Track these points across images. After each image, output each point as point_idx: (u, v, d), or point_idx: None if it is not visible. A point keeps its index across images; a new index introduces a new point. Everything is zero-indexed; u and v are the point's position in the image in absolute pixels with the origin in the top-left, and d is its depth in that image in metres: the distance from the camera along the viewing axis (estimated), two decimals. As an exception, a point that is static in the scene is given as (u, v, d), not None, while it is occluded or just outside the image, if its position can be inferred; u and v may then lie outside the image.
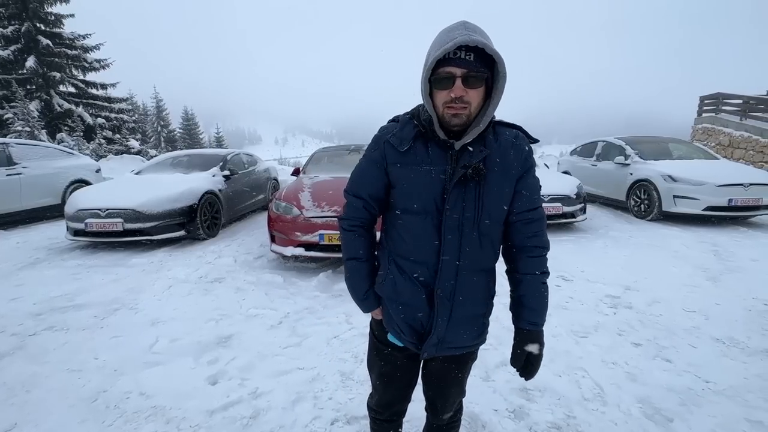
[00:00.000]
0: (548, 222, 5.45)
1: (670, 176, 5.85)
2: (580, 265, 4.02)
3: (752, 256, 4.23)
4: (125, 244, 5.00)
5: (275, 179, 8.36)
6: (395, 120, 1.11)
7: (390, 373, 1.21)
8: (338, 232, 4.05)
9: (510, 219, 1.06)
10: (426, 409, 1.33)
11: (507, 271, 1.14)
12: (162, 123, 33.37)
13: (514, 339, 1.11)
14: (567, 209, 5.41)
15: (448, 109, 0.94)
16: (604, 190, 7.21)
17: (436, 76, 0.93)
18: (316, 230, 3.83)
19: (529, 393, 2.02)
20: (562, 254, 4.40)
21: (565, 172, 8.32)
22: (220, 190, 5.76)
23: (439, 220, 1.00)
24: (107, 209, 4.70)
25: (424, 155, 1.01)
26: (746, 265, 3.96)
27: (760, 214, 5.65)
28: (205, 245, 5.07)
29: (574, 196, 5.48)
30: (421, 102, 1.02)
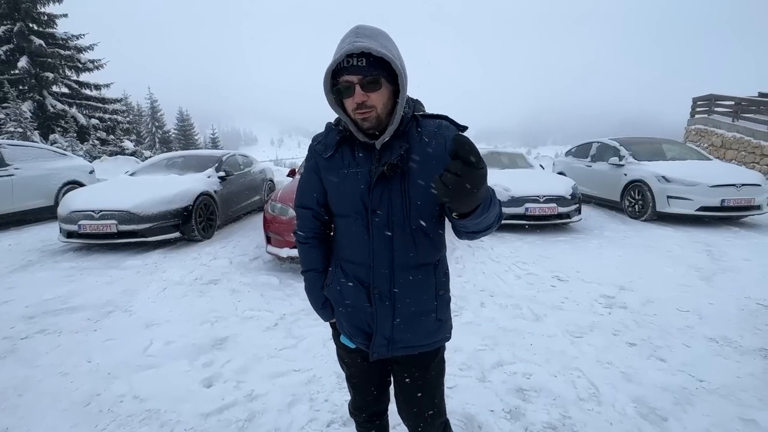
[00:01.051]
0: (544, 222, 5.44)
1: (663, 177, 5.90)
2: (575, 266, 4.04)
3: (745, 255, 4.28)
4: (119, 246, 4.96)
5: (271, 180, 8.34)
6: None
7: (355, 375, 1.24)
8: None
9: (447, 209, 0.97)
10: None
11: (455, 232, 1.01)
12: (157, 124, 33.19)
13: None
14: (562, 210, 5.44)
15: (357, 114, 0.97)
16: (599, 191, 7.26)
17: (339, 86, 0.96)
18: (312, 231, 3.82)
19: (525, 393, 2.02)
20: (558, 254, 4.42)
21: (560, 173, 8.37)
22: (215, 192, 5.73)
23: (368, 220, 1.02)
24: (101, 211, 4.66)
25: (351, 159, 1.04)
26: (739, 264, 4.00)
27: (753, 214, 5.71)
28: (201, 247, 5.04)
29: (569, 197, 5.51)
30: None
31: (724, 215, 5.68)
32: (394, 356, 1.10)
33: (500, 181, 5.62)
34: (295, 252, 3.87)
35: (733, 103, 12.15)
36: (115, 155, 14.57)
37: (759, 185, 5.60)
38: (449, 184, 0.73)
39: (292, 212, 3.97)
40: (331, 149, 1.06)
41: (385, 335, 1.06)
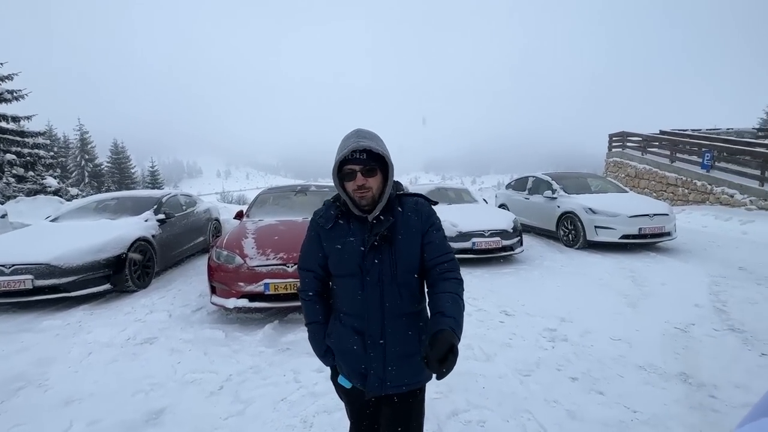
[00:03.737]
0: (489, 255, 5.70)
1: (590, 209, 6.54)
2: (520, 299, 4.25)
3: (661, 280, 4.79)
4: (35, 304, 4.38)
5: (217, 220, 7.96)
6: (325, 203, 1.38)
7: (353, 412, 1.40)
8: (284, 280, 3.88)
9: (426, 266, 1.28)
10: None
11: (428, 295, 1.29)
12: (87, 157, 30.57)
13: (431, 339, 1.04)
14: (505, 243, 5.77)
15: (356, 194, 1.22)
16: (537, 222, 7.83)
17: (343, 173, 1.23)
18: (261, 279, 3.67)
19: (479, 443, 2.04)
20: (504, 287, 4.64)
21: (502, 205, 8.94)
22: (153, 236, 5.35)
23: (363, 279, 1.23)
24: (13, 265, 4.12)
25: (347, 229, 1.27)
26: (657, 289, 4.47)
27: (665, 240, 6.47)
28: (135, 298, 4.61)
29: (511, 230, 5.88)
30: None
31: (642, 242, 6.36)
32: (386, 393, 1.27)
33: (448, 216, 5.86)
34: (242, 302, 3.69)
35: (640, 138, 13.97)
36: (35, 194, 13.10)
37: (667, 214, 6.39)
38: (443, 372, 0.99)
39: (239, 260, 3.80)
40: (331, 221, 1.29)
41: (378, 375, 1.25)
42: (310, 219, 1.39)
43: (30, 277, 4.11)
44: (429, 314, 1.26)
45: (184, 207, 6.73)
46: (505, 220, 6.01)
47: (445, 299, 1.19)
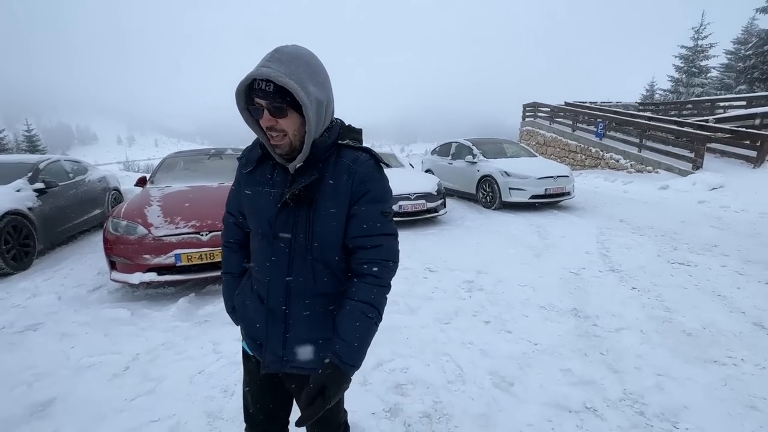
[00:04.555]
0: (415, 218, 5.88)
1: (505, 172, 7.05)
2: (442, 256, 4.50)
3: (561, 233, 5.43)
4: None
5: (116, 189, 7.01)
6: None
7: (249, 383, 1.19)
8: (198, 250, 3.55)
9: (346, 243, 1.03)
10: None
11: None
12: (-70, 117, 24.27)
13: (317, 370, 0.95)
14: (430, 205, 5.99)
15: (269, 138, 0.96)
16: (459, 185, 8.26)
17: (253, 106, 0.93)
18: (171, 250, 3.33)
19: (402, 388, 2.15)
20: (428, 247, 4.86)
21: (428, 170, 9.22)
22: (30, 209, 4.50)
23: (271, 242, 1.02)
24: None
25: (267, 178, 1.04)
26: (558, 241, 5.06)
27: (565, 199, 7.29)
28: (11, 283, 3.91)
29: (436, 193, 6.11)
30: None
31: (547, 201, 7.10)
32: (286, 373, 1.07)
33: (375, 181, 5.88)
34: (149, 276, 3.32)
35: (549, 109, 15.29)
36: None
37: (568, 176, 7.17)
38: (306, 418, 0.87)
39: (142, 230, 3.39)
40: (252, 164, 1.06)
41: (275, 353, 1.05)
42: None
43: None
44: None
45: (70, 175, 5.76)
46: (429, 184, 6.21)
47: (348, 312, 0.97)
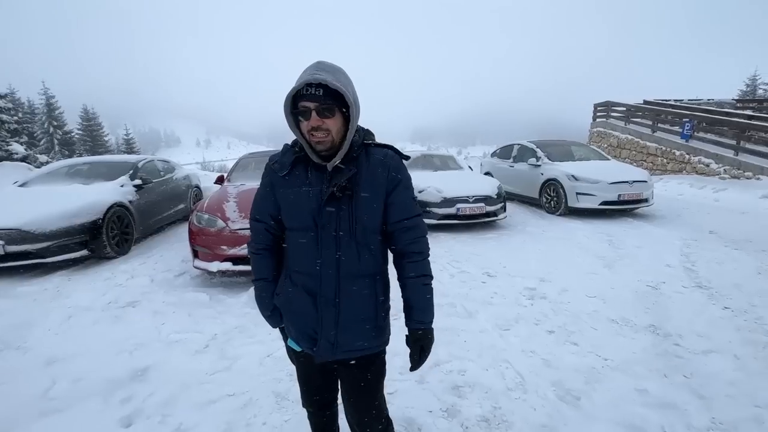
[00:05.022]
0: (474, 221, 5.77)
1: (573, 176, 6.63)
2: (502, 261, 4.36)
3: (637, 243, 4.97)
4: (9, 270, 4.24)
5: (197, 187, 7.76)
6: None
7: (302, 375, 1.36)
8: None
9: (388, 229, 1.20)
10: None
11: (397, 279, 1.26)
12: (55, 123, 28.89)
13: (408, 338, 1.24)
14: (489, 209, 5.83)
15: (311, 137, 1.09)
16: (521, 189, 7.92)
17: (297, 110, 1.08)
18: (244, 243, 3.63)
19: (460, 390, 2.14)
20: (487, 251, 4.73)
21: (487, 173, 8.97)
22: (130, 202, 5.18)
23: (318, 234, 1.13)
24: (-19, 230, 3.95)
25: (304, 178, 1.15)
26: (633, 252, 4.64)
27: (642, 206, 6.66)
28: (115, 264, 4.52)
29: (495, 196, 5.93)
30: None
31: (620, 208, 6.53)
32: (337, 359, 1.20)
33: (433, 183, 5.86)
34: (225, 266, 3.66)
35: (624, 109, 14.04)
36: (0, 161, 12.41)
37: (646, 181, 6.54)
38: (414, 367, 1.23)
39: (221, 223, 3.74)
40: (287, 168, 1.16)
41: (329, 340, 1.16)
42: None
43: (0, 242, 3.95)
44: (389, 278, 1.26)
45: (162, 173, 6.51)
46: (489, 187, 6.05)
47: (411, 288, 1.21)
